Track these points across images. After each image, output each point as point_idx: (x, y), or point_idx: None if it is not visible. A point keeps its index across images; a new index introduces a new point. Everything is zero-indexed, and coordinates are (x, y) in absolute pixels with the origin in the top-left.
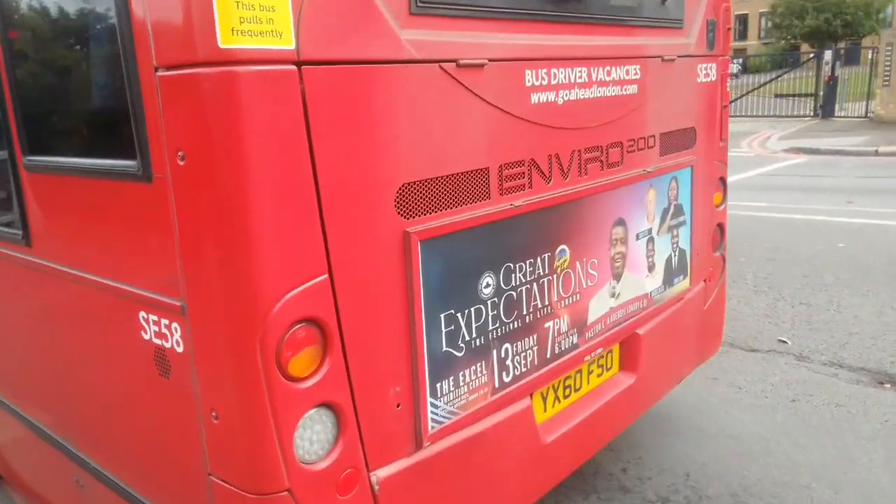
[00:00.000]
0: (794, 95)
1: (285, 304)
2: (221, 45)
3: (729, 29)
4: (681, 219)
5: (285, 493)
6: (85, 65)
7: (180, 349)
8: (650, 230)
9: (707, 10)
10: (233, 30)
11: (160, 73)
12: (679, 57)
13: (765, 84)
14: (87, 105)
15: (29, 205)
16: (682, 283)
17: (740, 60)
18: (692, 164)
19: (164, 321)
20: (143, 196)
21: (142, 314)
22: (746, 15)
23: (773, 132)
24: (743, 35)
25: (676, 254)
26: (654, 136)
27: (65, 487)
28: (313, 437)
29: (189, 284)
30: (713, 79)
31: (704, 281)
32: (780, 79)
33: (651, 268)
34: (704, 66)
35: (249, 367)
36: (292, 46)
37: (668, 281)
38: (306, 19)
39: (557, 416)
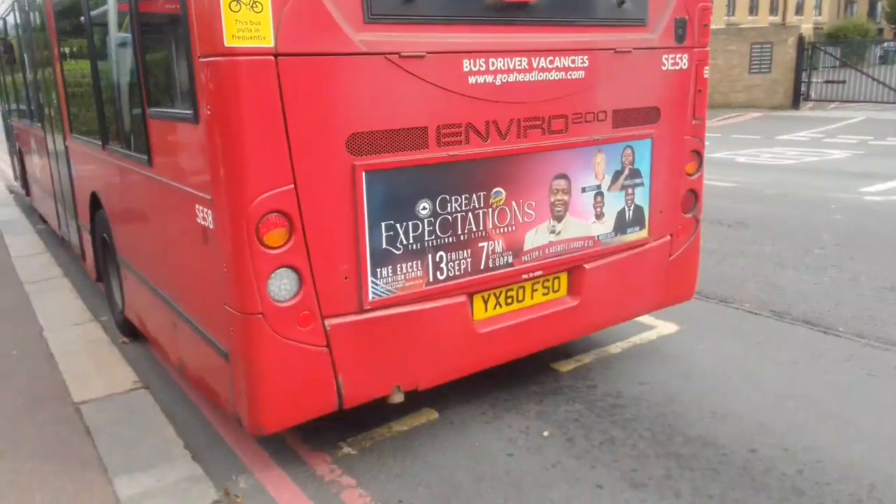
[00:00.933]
0: None
1: (261, 200)
2: (226, 44)
3: (706, 25)
4: (637, 181)
5: (259, 315)
6: (173, 54)
7: (211, 227)
8: (599, 186)
9: (676, 10)
10: (232, 35)
11: (200, 60)
12: (636, 49)
13: None
14: (173, 76)
15: (152, 139)
16: (637, 234)
17: None
18: (652, 136)
19: (205, 209)
20: (195, 132)
21: (197, 206)
22: None
23: None
24: None
25: (631, 209)
26: (605, 111)
27: (169, 332)
28: (281, 286)
29: (212, 185)
30: (683, 67)
31: (671, 236)
32: None
33: (599, 216)
34: (671, 56)
35: (239, 238)
36: (272, 45)
37: (619, 229)
38: (283, 28)
39: (497, 317)
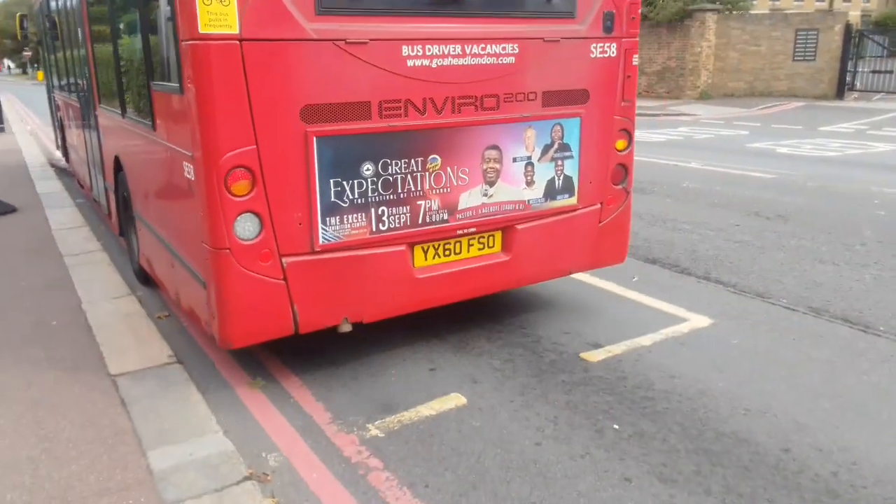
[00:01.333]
0: None
1: (228, 157)
2: (200, 31)
3: (634, 18)
4: (566, 153)
5: (227, 250)
6: (168, 37)
7: (193, 179)
8: (529, 157)
9: (605, 5)
10: (205, 24)
11: (182, 43)
12: (564, 39)
13: None
14: (168, 56)
15: (155, 108)
16: (567, 200)
17: None
18: (581, 115)
19: (190, 165)
20: (181, 101)
21: (184, 162)
22: None
23: None
24: None
25: (561, 178)
26: (535, 92)
27: (169, 271)
28: (245, 227)
29: (192, 145)
30: (612, 55)
31: (601, 204)
32: None
33: (530, 183)
34: (600, 45)
35: (211, 188)
36: (237, 31)
37: (549, 195)
38: (246, 18)
39: (435, 266)
